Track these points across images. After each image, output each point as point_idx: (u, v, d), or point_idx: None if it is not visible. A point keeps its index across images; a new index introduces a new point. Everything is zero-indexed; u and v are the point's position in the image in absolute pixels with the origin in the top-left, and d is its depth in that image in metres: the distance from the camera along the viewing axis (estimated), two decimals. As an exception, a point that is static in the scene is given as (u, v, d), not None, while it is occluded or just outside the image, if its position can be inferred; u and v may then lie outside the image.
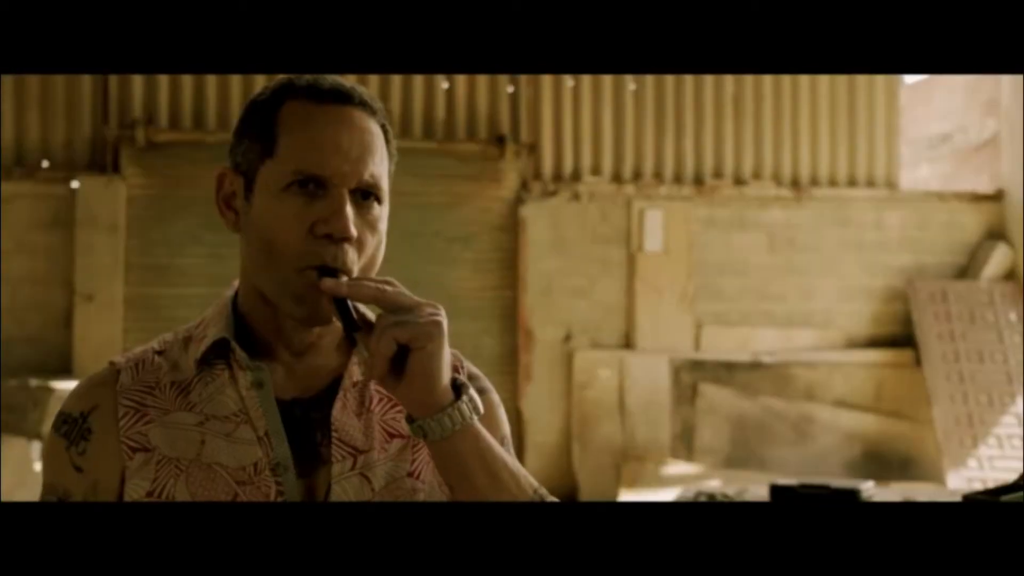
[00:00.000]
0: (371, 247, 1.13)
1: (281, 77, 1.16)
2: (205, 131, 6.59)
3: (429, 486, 1.15)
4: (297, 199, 1.09)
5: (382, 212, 1.14)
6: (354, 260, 1.11)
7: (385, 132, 1.15)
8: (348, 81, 1.15)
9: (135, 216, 6.52)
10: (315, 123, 1.10)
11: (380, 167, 1.12)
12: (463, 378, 1.13)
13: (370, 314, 1.14)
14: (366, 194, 1.11)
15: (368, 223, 1.12)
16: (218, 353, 1.14)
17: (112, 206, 6.42)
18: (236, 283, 1.22)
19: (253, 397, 1.12)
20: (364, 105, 1.14)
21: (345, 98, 1.12)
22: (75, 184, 6.45)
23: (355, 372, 1.17)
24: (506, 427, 1.27)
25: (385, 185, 1.14)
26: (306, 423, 1.13)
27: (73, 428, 1.12)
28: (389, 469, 1.14)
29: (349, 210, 1.08)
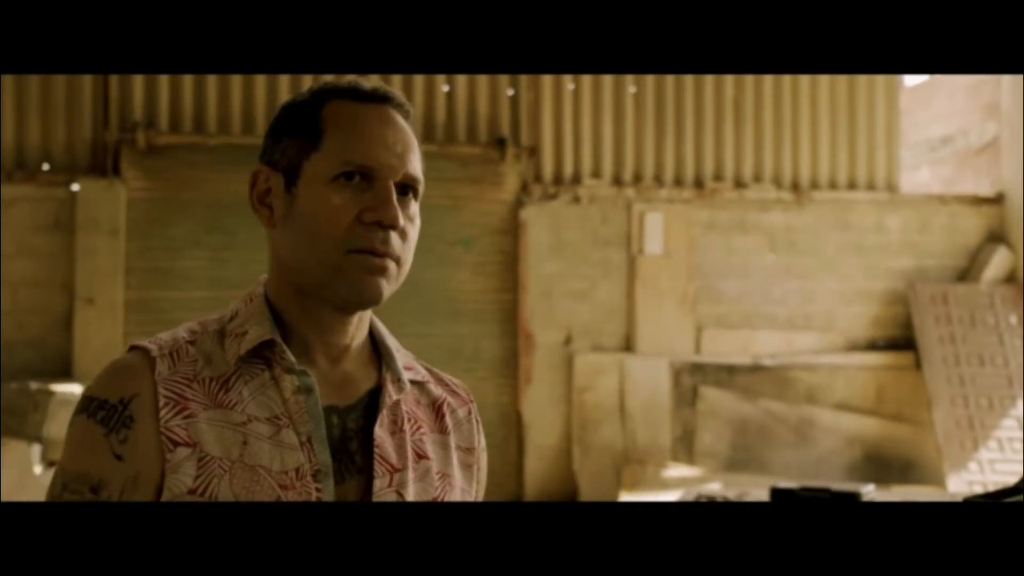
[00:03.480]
0: (413, 239, 1.16)
1: (322, 81, 1.19)
2: (206, 134, 6.59)
3: None
4: (345, 190, 1.12)
5: (417, 209, 1.18)
6: (401, 248, 1.13)
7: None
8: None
9: (135, 219, 6.52)
10: (361, 119, 1.14)
11: (419, 165, 1.17)
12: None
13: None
14: (406, 189, 1.15)
15: (408, 217, 1.15)
16: (257, 352, 1.14)
17: (112, 209, 6.43)
18: (264, 279, 1.20)
19: (300, 402, 1.12)
20: (402, 107, 1.18)
21: (386, 99, 1.17)
22: (75, 187, 6.46)
23: (392, 391, 1.19)
24: (483, 485, 1.32)
25: (422, 182, 1.18)
26: (342, 431, 1.15)
27: (112, 415, 1.08)
28: (417, 490, 1.17)
29: (396, 201, 1.12)
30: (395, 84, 6.85)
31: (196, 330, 1.17)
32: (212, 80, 6.67)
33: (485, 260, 6.94)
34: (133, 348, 1.16)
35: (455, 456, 1.24)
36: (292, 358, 1.13)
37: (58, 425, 5.59)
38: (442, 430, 1.24)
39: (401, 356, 1.25)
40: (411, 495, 1.15)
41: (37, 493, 5.29)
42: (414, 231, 1.16)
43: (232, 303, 1.20)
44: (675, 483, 6.20)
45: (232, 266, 6.59)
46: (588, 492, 6.72)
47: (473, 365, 6.89)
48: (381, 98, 1.16)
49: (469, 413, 1.29)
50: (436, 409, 1.25)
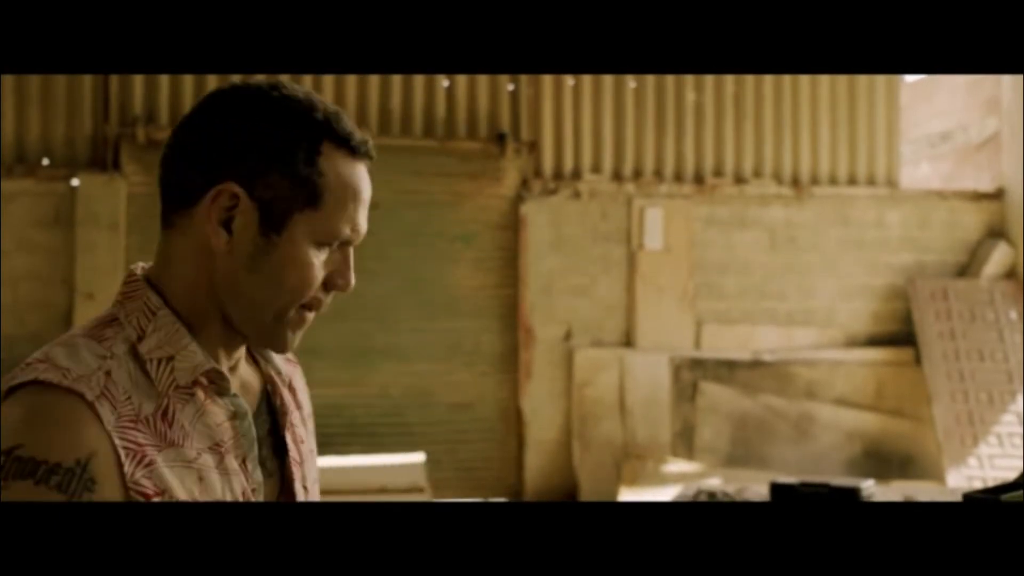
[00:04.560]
0: None
1: (299, 98, 1.11)
2: (206, 129, 6.58)
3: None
4: (322, 252, 1.11)
5: None
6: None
7: None
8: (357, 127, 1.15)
9: (136, 214, 6.52)
10: (357, 187, 1.12)
11: None
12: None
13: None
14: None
15: None
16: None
17: (113, 204, 6.43)
18: (141, 284, 1.11)
19: (236, 427, 1.11)
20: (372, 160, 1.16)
21: (369, 156, 1.14)
22: (76, 182, 6.46)
23: (283, 393, 1.22)
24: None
25: None
26: (256, 440, 1.15)
27: (70, 479, 0.96)
28: (308, 472, 1.23)
29: None
30: (394, 81, 6.85)
31: (103, 355, 1.05)
32: (212, 75, 6.67)
33: (485, 255, 6.94)
34: (43, 384, 0.99)
35: (310, 425, 1.29)
36: (228, 385, 1.11)
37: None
38: (298, 405, 1.26)
39: None
40: (309, 481, 1.21)
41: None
42: None
43: (113, 314, 1.10)
44: (675, 478, 6.21)
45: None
46: (588, 487, 6.73)
47: (473, 360, 6.90)
48: (367, 154, 1.13)
49: (302, 376, 1.32)
50: (289, 385, 1.26)
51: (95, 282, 6.40)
